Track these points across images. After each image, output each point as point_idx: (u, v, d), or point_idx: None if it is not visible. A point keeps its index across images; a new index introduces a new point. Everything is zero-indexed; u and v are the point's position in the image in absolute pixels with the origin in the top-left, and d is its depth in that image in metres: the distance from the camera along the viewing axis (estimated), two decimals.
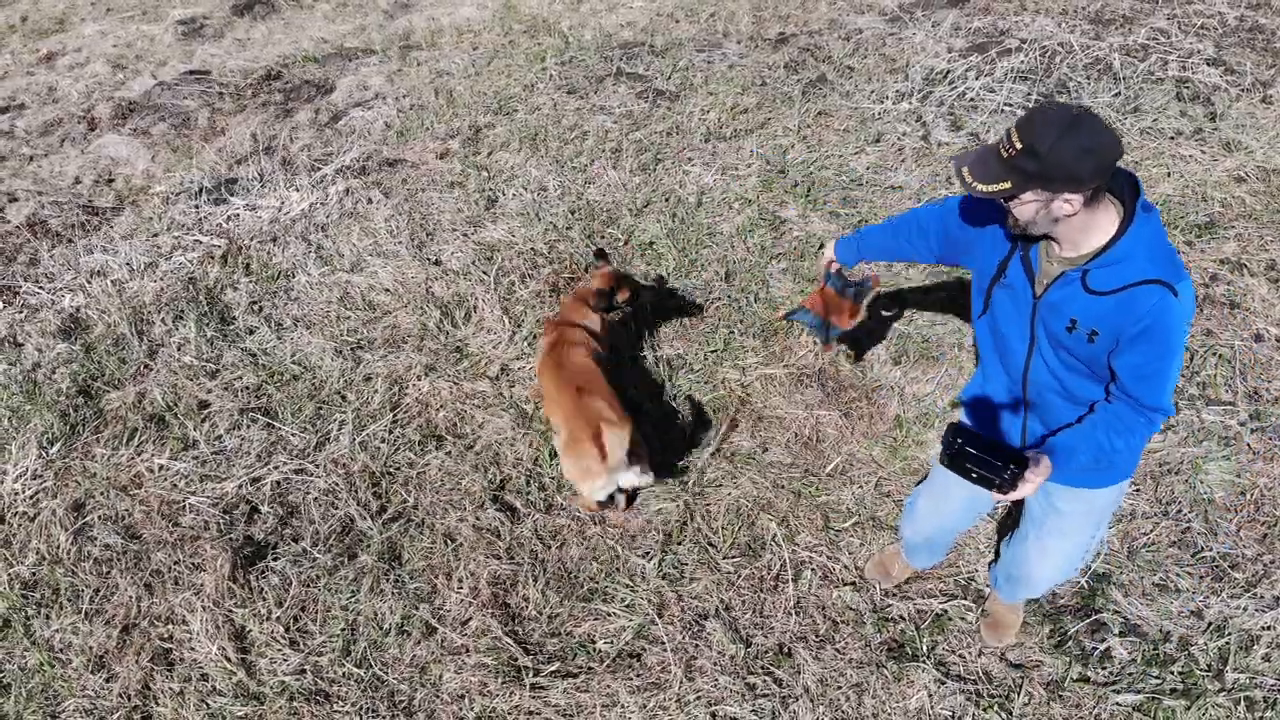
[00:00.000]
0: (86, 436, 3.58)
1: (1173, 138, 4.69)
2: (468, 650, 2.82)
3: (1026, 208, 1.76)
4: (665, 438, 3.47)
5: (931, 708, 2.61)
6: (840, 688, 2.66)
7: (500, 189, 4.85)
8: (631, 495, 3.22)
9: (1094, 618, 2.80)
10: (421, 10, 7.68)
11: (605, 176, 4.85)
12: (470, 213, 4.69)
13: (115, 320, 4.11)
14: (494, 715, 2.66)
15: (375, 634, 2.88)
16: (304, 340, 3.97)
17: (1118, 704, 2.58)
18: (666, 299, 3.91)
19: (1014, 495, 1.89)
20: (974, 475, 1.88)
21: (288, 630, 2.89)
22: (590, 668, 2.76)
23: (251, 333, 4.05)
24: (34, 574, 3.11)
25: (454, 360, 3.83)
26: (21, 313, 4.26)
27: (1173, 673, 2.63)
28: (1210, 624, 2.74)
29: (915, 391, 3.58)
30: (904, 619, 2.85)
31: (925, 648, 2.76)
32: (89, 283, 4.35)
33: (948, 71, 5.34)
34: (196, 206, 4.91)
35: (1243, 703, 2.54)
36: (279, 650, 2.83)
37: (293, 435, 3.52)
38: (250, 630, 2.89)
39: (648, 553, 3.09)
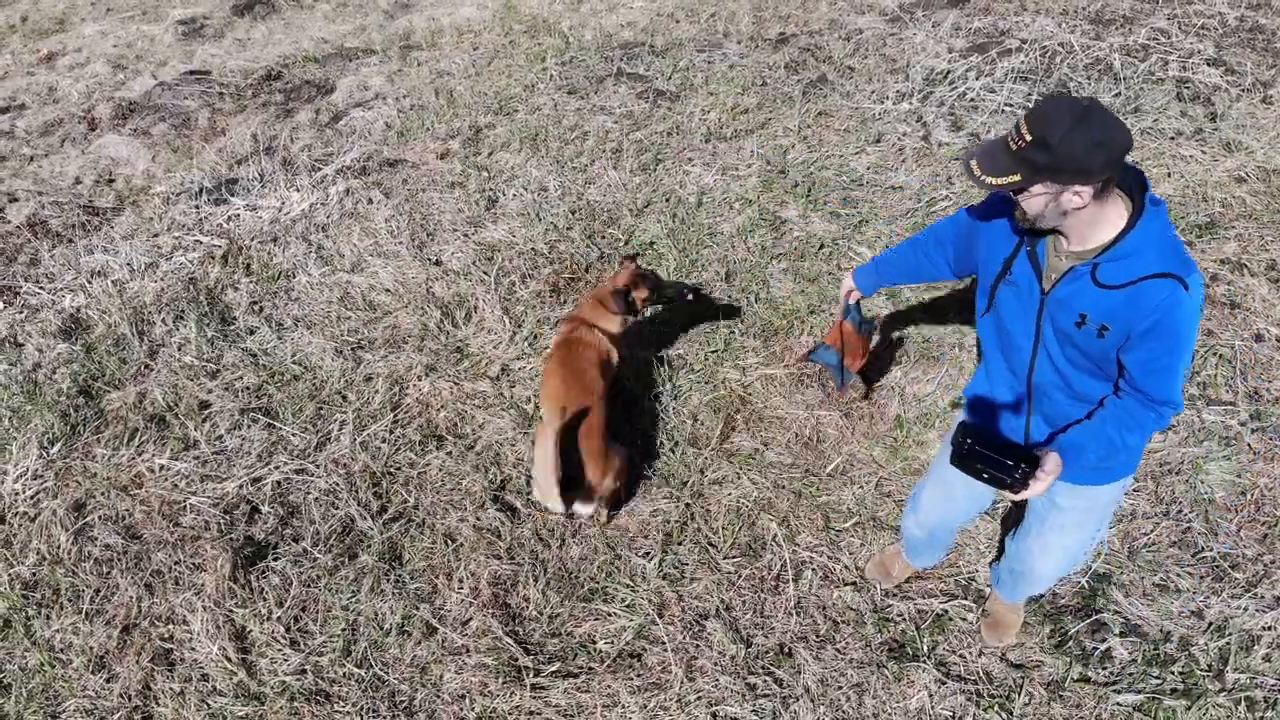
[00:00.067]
0: (87, 437, 3.58)
1: (1173, 138, 4.69)
2: (468, 650, 2.82)
3: (1036, 200, 1.75)
4: (667, 437, 3.47)
5: (932, 708, 2.61)
6: (841, 688, 2.67)
7: (501, 189, 4.85)
8: (613, 507, 3.22)
9: (1094, 618, 2.80)
10: (422, 10, 7.68)
11: (606, 177, 4.85)
12: (471, 213, 4.69)
13: (116, 320, 4.11)
14: (495, 715, 2.66)
15: (376, 634, 2.88)
16: (304, 340, 3.97)
17: (1118, 704, 2.58)
18: (694, 302, 3.71)
19: (1025, 494, 1.88)
20: (985, 475, 1.88)
21: (288, 630, 2.89)
22: (591, 668, 2.76)
23: (252, 333, 4.05)
24: (34, 574, 3.11)
25: (454, 360, 3.83)
26: (22, 313, 4.26)
27: (1173, 673, 2.64)
28: (1211, 624, 2.74)
29: (916, 391, 3.58)
30: (904, 619, 2.86)
31: (926, 648, 2.76)
32: (89, 283, 4.35)
33: (948, 72, 5.34)
34: (197, 207, 4.91)
35: (1243, 703, 2.54)
36: (279, 650, 2.83)
37: (293, 435, 3.52)
38: (251, 630, 2.89)
39: (648, 553, 3.09)
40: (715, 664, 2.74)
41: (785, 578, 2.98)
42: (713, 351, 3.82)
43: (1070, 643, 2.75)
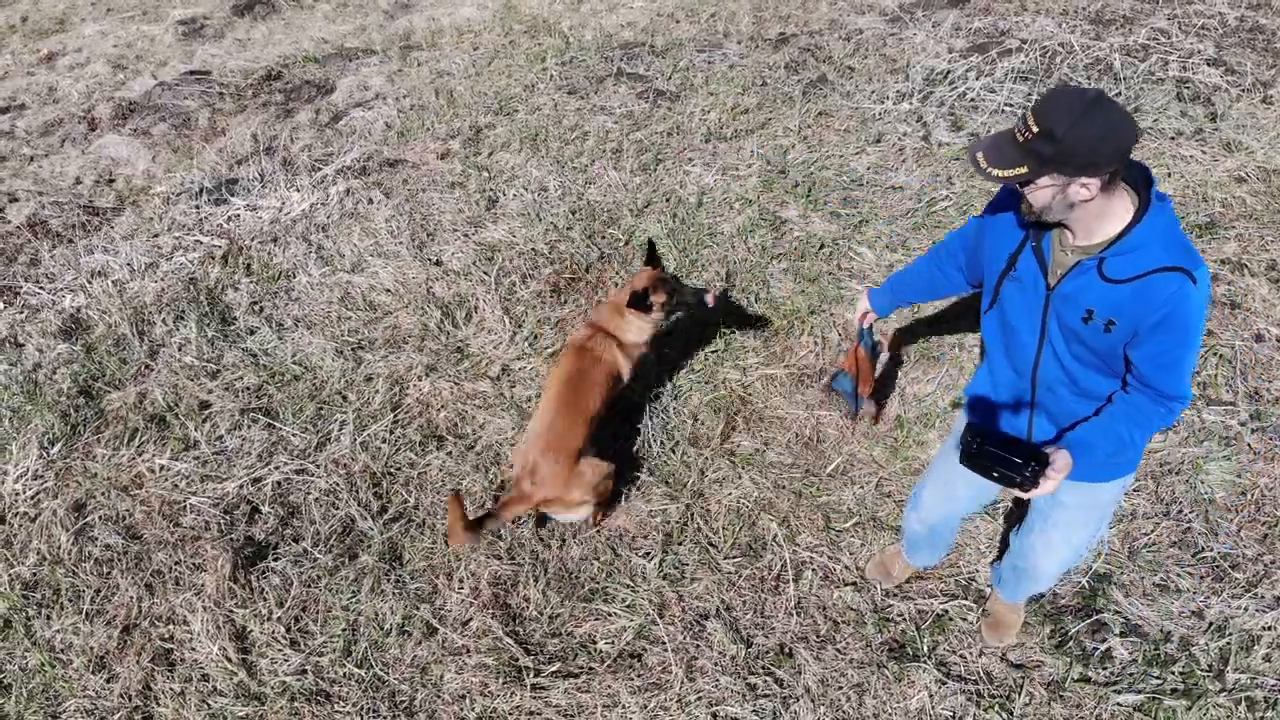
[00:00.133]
0: (87, 437, 3.58)
1: (1173, 138, 4.69)
2: (469, 650, 2.82)
3: (1042, 193, 1.74)
4: (667, 437, 3.47)
5: (932, 708, 2.61)
6: (841, 688, 2.67)
7: (501, 189, 4.85)
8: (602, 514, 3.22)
9: (1095, 618, 2.80)
10: (422, 10, 7.68)
11: (606, 177, 4.85)
12: (471, 213, 4.69)
13: (116, 320, 4.11)
14: (495, 715, 2.66)
15: (376, 634, 2.88)
16: (305, 340, 3.97)
17: (1118, 704, 2.58)
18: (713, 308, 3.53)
19: (1036, 493, 1.87)
20: (995, 475, 1.87)
21: (288, 630, 2.89)
22: (591, 668, 2.76)
23: (252, 333, 4.05)
24: (35, 574, 3.11)
25: (455, 360, 3.83)
26: (22, 313, 4.26)
27: (1173, 673, 2.64)
28: (1211, 624, 2.74)
29: (916, 391, 3.59)
30: (905, 619, 2.86)
31: (926, 648, 2.76)
32: (90, 283, 4.35)
33: (948, 72, 5.34)
34: (197, 207, 4.91)
35: (1243, 703, 2.54)
36: (280, 650, 2.83)
37: (293, 435, 3.52)
38: (251, 630, 2.89)
39: (648, 553, 3.09)
40: (715, 664, 2.74)
41: (785, 578, 2.98)
42: (713, 351, 3.82)
43: (1071, 643, 2.75)
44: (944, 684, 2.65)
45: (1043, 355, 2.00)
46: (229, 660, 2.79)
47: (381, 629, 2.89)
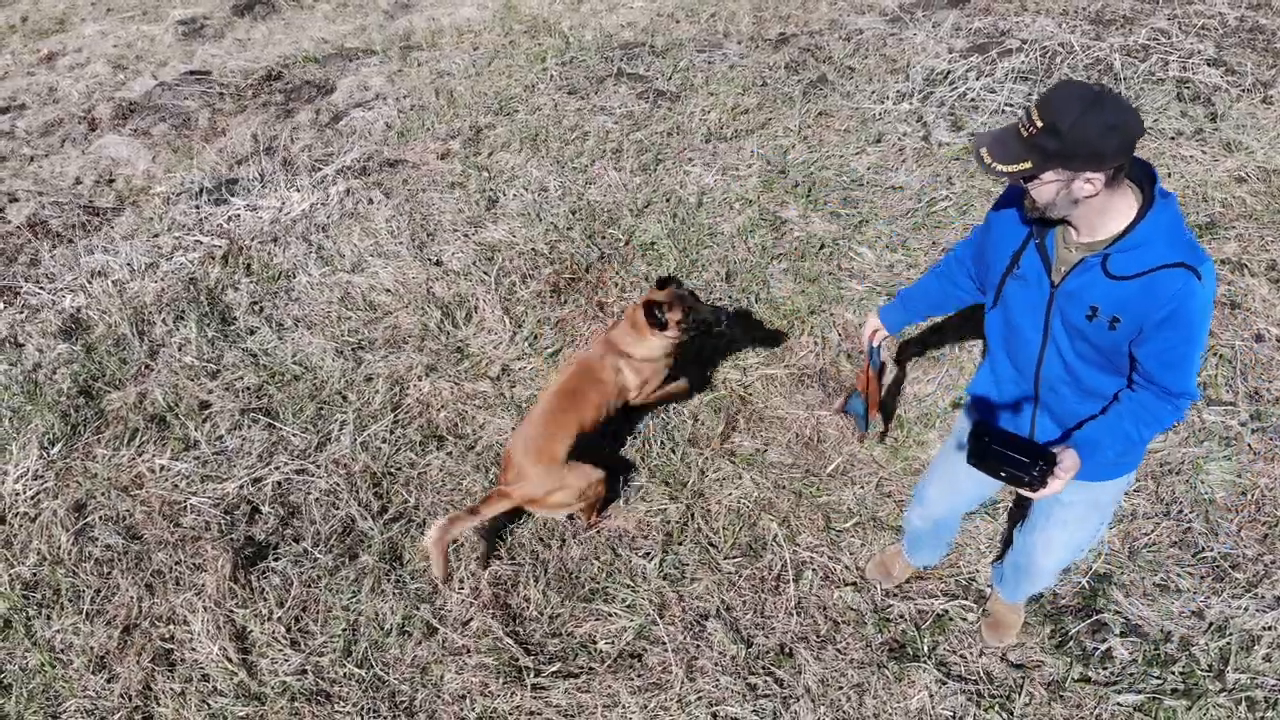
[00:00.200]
0: (87, 437, 3.58)
1: (1173, 138, 4.68)
2: (469, 651, 2.82)
3: (1047, 188, 1.72)
4: (667, 436, 3.47)
5: (932, 708, 2.61)
6: (841, 688, 2.67)
7: (501, 189, 4.85)
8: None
9: (1095, 618, 2.80)
10: (422, 10, 7.68)
11: (606, 177, 4.85)
12: (471, 213, 4.69)
13: (116, 321, 4.11)
14: (495, 716, 2.66)
15: (376, 634, 2.88)
16: (305, 340, 3.97)
17: (1119, 704, 2.58)
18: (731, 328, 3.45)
19: (1044, 493, 1.85)
20: (1003, 474, 1.85)
21: (289, 630, 2.89)
22: (591, 668, 2.76)
23: (252, 333, 4.05)
24: (35, 574, 3.11)
25: (455, 360, 3.83)
26: (22, 313, 4.26)
27: (1174, 673, 2.64)
28: (1211, 624, 2.74)
29: (916, 391, 3.59)
30: (905, 619, 2.86)
31: (926, 648, 2.77)
32: (90, 283, 4.35)
33: (948, 72, 5.34)
34: (197, 207, 4.91)
35: (1244, 703, 2.54)
36: (280, 651, 2.83)
37: (294, 435, 3.52)
38: (251, 631, 2.89)
39: (649, 553, 3.09)
40: (716, 664, 2.74)
41: (786, 578, 2.98)
42: (713, 352, 3.82)
43: (1071, 643, 2.75)
44: (944, 684, 2.65)
45: (1046, 353, 1.99)
46: (229, 660, 2.79)
47: (382, 629, 2.89)
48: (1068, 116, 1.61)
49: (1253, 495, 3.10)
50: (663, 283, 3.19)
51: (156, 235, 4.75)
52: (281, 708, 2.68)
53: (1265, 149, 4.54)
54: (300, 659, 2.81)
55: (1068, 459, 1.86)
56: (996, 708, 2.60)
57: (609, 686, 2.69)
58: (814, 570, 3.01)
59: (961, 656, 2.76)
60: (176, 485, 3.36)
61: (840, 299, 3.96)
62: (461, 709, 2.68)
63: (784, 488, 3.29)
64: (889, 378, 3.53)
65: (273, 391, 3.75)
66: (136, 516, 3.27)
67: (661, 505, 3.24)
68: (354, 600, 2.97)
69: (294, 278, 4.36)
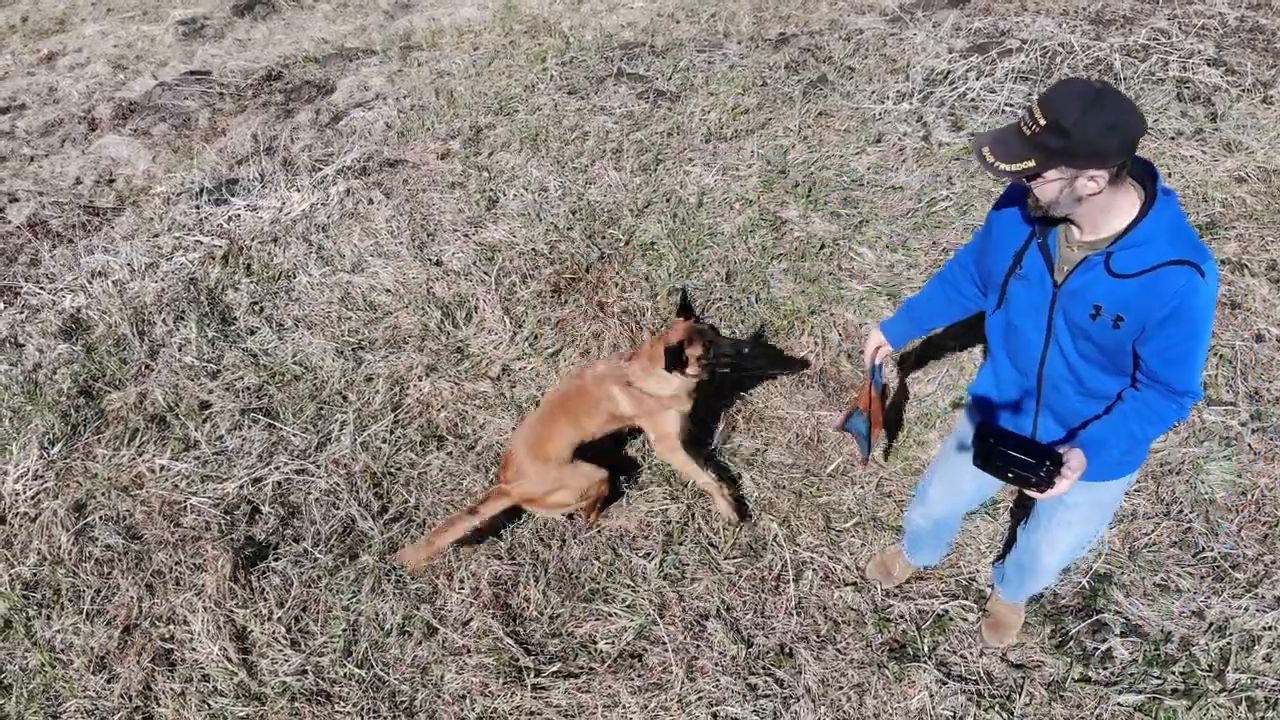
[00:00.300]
0: (87, 437, 3.58)
1: (1173, 138, 4.68)
2: (469, 651, 2.82)
3: (1050, 187, 1.72)
4: None
5: (933, 708, 2.61)
6: (842, 688, 2.67)
7: (501, 189, 4.85)
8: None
9: (1095, 618, 2.80)
10: (422, 10, 7.68)
11: (606, 177, 4.85)
12: (471, 213, 4.69)
13: (116, 321, 4.11)
14: (495, 716, 2.66)
15: (376, 634, 2.88)
16: (305, 341, 3.97)
17: (1119, 704, 2.58)
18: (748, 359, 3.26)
19: (1052, 493, 1.84)
20: (1010, 475, 1.84)
21: (289, 631, 2.89)
22: (591, 668, 2.76)
23: (253, 333, 4.05)
24: (35, 574, 3.11)
25: (455, 361, 3.83)
26: (22, 313, 4.26)
27: (1174, 673, 2.64)
28: (1211, 624, 2.74)
29: (916, 391, 3.59)
30: (905, 619, 2.86)
31: (926, 648, 2.77)
32: (90, 283, 4.35)
33: (948, 72, 5.34)
34: (197, 207, 4.91)
35: (1244, 703, 2.54)
36: (280, 651, 2.83)
37: (294, 435, 3.52)
38: (251, 631, 2.89)
39: (649, 553, 3.09)
40: (716, 664, 2.74)
41: (786, 578, 2.98)
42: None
43: (1071, 643, 2.75)
44: (944, 684, 2.65)
45: (1049, 353, 1.98)
46: (229, 660, 2.79)
47: (382, 629, 2.89)
48: (1071, 113, 1.61)
49: (1253, 495, 3.10)
50: (682, 312, 3.04)
51: (156, 235, 4.75)
52: (281, 708, 2.68)
53: (1265, 149, 4.54)
54: (300, 659, 2.81)
55: (1074, 459, 1.84)
56: (997, 708, 2.60)
57: (609, 686, 2.69)
58: (814, 570, 3.01)
59: (962, 656, 2.76)
60: (176, 485, 3.36)
61: (840, 299, 3.95)
62: (461, 709, 2.68)
63: (784, 488, 3.29)
64: (891, 395, 3.48)
65: (273, 391, 3.75)
66: (136, 516, 3.27)
67: (663, 505, 3.24)
68: (354, 600, 2.97)
69: (294, 278, 4.36)
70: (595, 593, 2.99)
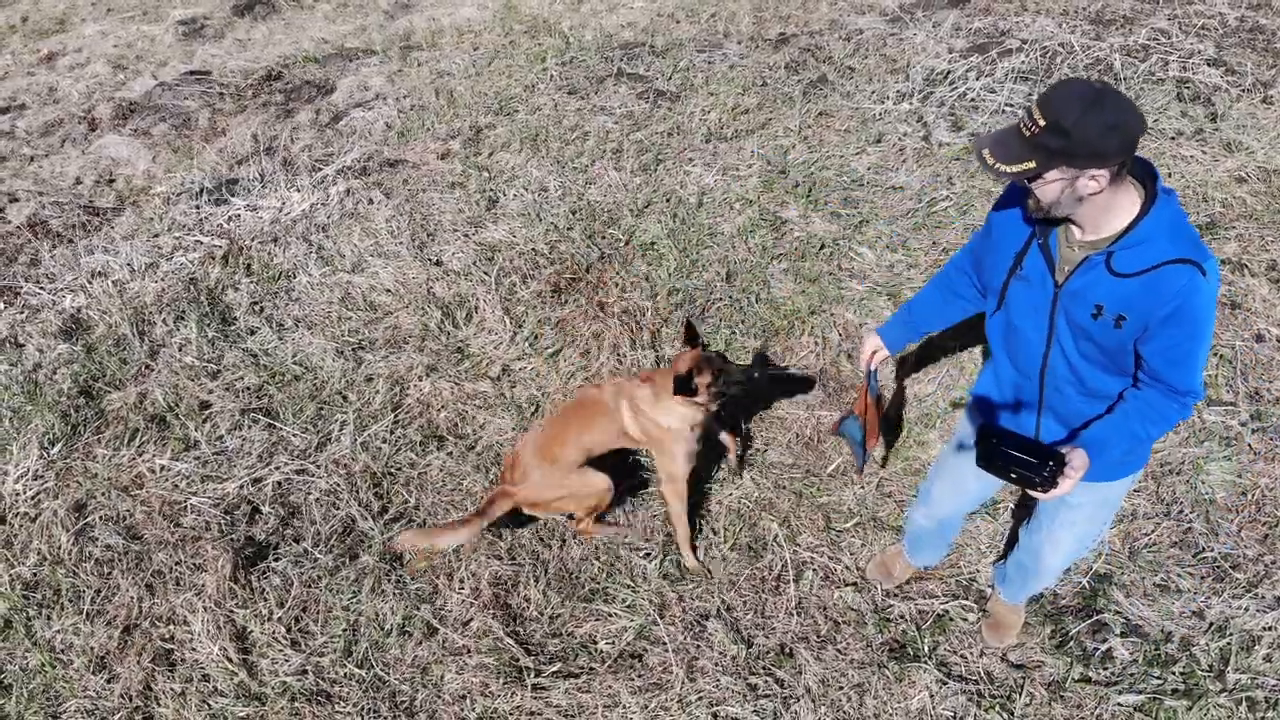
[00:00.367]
0: (88, 437, 3.58)
1: (1173, 138, 4.68)
2: (469, 651, 2.82)
3: (1051, 187, 1.72)
4: None
5: (933, 708, 2.61)
6: (842, 688, 2.67)
7: (501, 189, 4.85)
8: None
9: (1095, 618, 2.80)
10: (422, 10, 7.68)
11: (606, 177, 4.85)
12: (471, 213, 4.69)
13: (116, 321, 4.11)
14: (495, 716, 2.66)
15: (377, 634, 2.88)
16: (305, 341, 3.97)
17: (1119, 704, 2.58)
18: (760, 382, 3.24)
19: (1055, 493, 1.84)
20: (1013, 476, 1.84)
21: (289, 631, 2.89)
22: (592, 668, 2.76)
23: (253, 333, 4.05)
24: (35, 574, 3.11)
25: (455, 361, 3.83)
26: (22, 313, 4.26)
27: (1174, 673, 2.64)
28: (1211, 624, 2.74)
29: (916, 391, 3.58)
30: (905, 619, 2.86)
31: (927, 648, 2.77)
32: (90, 283, 4.35)
33: (948, 72, 5.34)
34: (197, 207, 4.91)
35: (1244, 703, 2.54)
36: (280, 651, 2.83)
37: (294, 436, 3.52)
38: (252, 631, 2.89)
39: (649, 553, 3.09)
40: (716, 664, 2.74)
41: (786, 578, 2.98)
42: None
43: (1071, 643, 2.75)
44: (945, 684, 2.65)
45: (1050, 354, 1.98)
46: (229, 660, 2.79)
47: (382, 629, 2.89)
48: (1071, 113, 1.61)
49: (1253, 495, 3.10)
50: (689, 339, 2.97)
51: (156, 235, 4.75)
52: (282, 708, 2.68)
53: (1265, 149, 4.54)
54: (300, 659, 2.81)
55: (1077, 459, 1.84)
56: (997, 708, 2.60)
57: (609, 686, 2.69)
58: (814, 570, 3.01)
59: (962, 657, 2.76)
60: (177, 485, 3.36)
61: (840, 299, 3.95)
62: (462, 709, 2.68)
63: (784, 488, 3.29)
64: (887, 404, 3.46)
65: (273, 391, 3.75)
66: (136, 516, 3.27)
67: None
68: (354, 600, 2.97)
69: (294, 278, 4.36)
70: (595, 593, 2.99)
